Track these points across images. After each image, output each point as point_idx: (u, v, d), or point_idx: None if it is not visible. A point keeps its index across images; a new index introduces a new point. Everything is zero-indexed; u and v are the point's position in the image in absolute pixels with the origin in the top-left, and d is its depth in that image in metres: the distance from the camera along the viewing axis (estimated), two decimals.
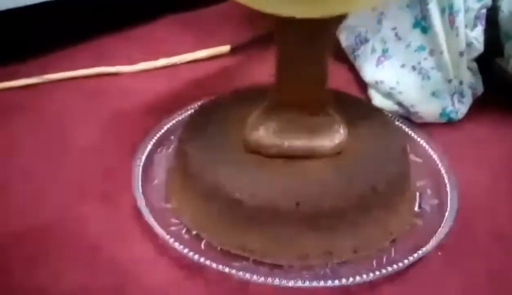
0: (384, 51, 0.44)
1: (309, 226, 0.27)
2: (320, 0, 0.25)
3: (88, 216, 0.32)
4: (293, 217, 0.27)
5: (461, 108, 0.41)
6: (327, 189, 0.28)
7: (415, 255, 0.28)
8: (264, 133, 0.30)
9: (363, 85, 0.46)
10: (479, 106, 0.42)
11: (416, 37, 0.41)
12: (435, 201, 0.32)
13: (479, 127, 0.41)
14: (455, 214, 0.30)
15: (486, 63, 0.43)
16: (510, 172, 0.37)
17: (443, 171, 0.34)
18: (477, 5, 0.38)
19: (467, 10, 0.39)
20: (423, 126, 0.40)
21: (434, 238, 0.29)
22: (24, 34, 0.51)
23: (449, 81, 0.41)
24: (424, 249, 0.28)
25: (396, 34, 0.43)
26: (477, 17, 0.39)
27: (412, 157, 0.35)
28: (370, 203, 0.28)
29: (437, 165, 0.35)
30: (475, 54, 0.41)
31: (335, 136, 0.31)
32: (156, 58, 0.50)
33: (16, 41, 0.50)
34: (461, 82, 0.41)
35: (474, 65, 0.42)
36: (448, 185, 0.33)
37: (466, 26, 0.39)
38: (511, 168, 0.38)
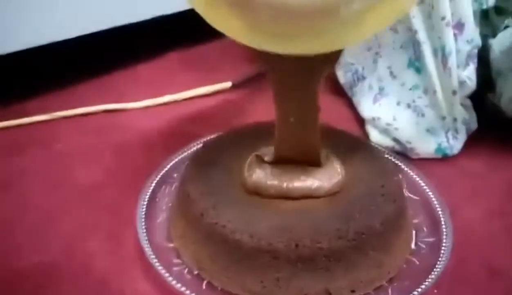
0: (381, 89, 0.45)
1: (308, 266, 0.28)
2: (315, 37, 0.26)
3: (94, 253, 0.33)
4: (292, 258, 0.28)
5: (455, 145, 0.43)
6: (325, 230, 0.29)
7: (412, 294, 0.28)
8: (262, 175, 0.31)
9: (361, 121, 0.48)
10: (473, 141, 0.43)
11: (410, 77, 0.43)
12: (431, 239, 0.33)
13: (474, 162, 0.42)
14: (450, 251, 0.31)
15: (479, 99, 0.44)
16: (504, 207, 0.38)
17: (438, 208, 0.35)
18: (468, 47, 0.40)
19: (458, 51, 0.40)
20: (419, 162, 0.42)
21: (430, 276, 0.29)
22: (33, 73, 0.53)
23: (443, 118, 0.42)
24: (420, 288, 0.29)
25: (391, 73, 0.45)
26: (468, 57, 0.41)
27: (408, 194, 0.36)
28: (366, 243, 0.29)
29: (433, 201, 0.35)
30: (468, 92, 0.42)
31: (333, 177, 0.32)
32: (160, 94, 0.52)
33: (26, 79, 0.53)
34: (455, 119, 0.42)
35: (468, 102, 0.44)
36: (443, 222, 0.33)
37: (458, 66, 0.41)
38: (505, 203, 0.38)
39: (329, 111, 0.50)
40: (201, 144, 0.39)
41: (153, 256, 0.30)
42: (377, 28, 0.27)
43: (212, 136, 0.40)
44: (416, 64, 0.43)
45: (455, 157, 0.43)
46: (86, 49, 0.55)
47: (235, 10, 0.26)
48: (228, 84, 0.54)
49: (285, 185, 0.31)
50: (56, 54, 0.52)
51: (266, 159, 0.33)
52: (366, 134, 0.45)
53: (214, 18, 0.27)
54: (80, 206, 0.37)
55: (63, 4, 0.49)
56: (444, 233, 0.32)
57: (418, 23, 0.41)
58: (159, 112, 0.50)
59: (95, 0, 0.51)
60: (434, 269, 0.30)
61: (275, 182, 0.31)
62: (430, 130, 0.42)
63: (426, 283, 0.29)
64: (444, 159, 0.43)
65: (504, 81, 0.42)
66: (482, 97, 0.45)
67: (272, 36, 0.26)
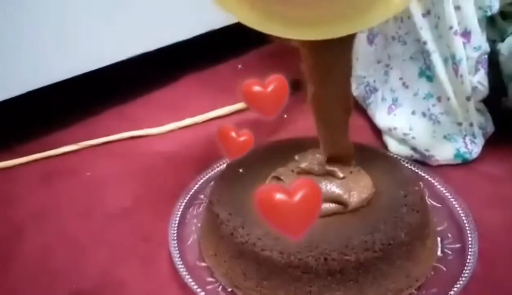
0: (394, 100, 0.46)
1: (337, 279, 0.29)
2: (324, 24, 0.26)
3: (128, 278, 0.35)
4: (322, 272, 0.29)
5: (474, 149, 0.43)
6: (351, 243, 0.29)
7: None
8: None
9: (377, 132, 0.48)
10: (491, 145, 0.44)
11: (423, 86, 0.44)
12: (457, 245, 0.33)
13: (493, 167, 0.43)
14: (477, 257, 0.31)
15: (494, 103, 0.45)
16: None
17: (462, 214, 0.35)
18: (476, 53, 0.41)
19: (468, 58, 0.41)
20: (439, 169, 0.42)
21: (458, 282, 0.30)
22: (60, 106, 0.56)
23: (459, 124, 0.43)
24: (449, 294, 0.29)
25: (403, 84, 0.46)
26: (478, 63, 0.42)
27: (430, 202, 0.37)
28: (392, 254, 0.30)
29: (455, 208, 0.36)
30: (481, 96, 0.43)
31: (363, 192, 0.33)
32: (179, 118, 0.54)
33: (52, 113, 0.55)
34: (471, 124, 0.43)
35: (482, 106, 0.44)
36: (467, 228, 0.34)
37: (469, 73, 0.41)
38: None
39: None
40: (224, 165, 0.41)
41: (188, 276, 0.31)
42: (386, 14, 0.27)
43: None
44: (428, 73, 0.44)
45: (474, 162, 0.43)
46: (106, 79, 0.57)
47: None
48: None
49: None
50: (78, 87, 0.55)
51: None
52: (384, 145, 0.46)
53: (225, 2, 0.27)
54: (112, 232, 0.39)
55: (79, 42, 0.52)
56: (470, 239, 0.33)
57: (426, 33, 0.42)
58: (180, 135, 0.52)
59: (110, 34, 0.54)
60: (462, 275, 0.30)
61: None
62: (447, 137, 0.43)
63: (455, 289, 0.29)
64: (463, 164, 0.43)
65: None
66: (496, 101, 0.45)
67: (281, 21, 0.26)
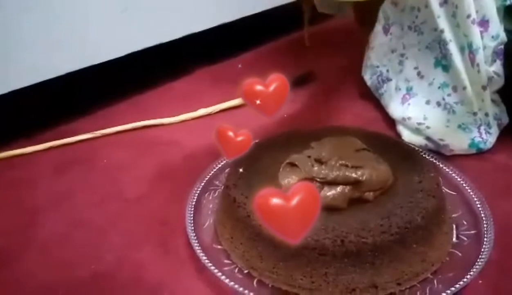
0: (408, 89, 0.46)
1: (354, 261, 0.29)
2: None
3: (146, 261, 0.35)
4: (338, 254, 0.29)
5: (489, 139, 0.43)
6: (368, 226, 0.30)
7: (457, 285, 0.29)
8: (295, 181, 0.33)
9: (391, 121, 0.49)
10: (505, 136, 0.44)
11: (438, 75, 0.44)
12: (472, 231, 0.33)
13: (508, 157, 0.43)
14: (493, 243, 0.32)
15: (509, 94, 0.45)
16: None
17: (477, 202, 0.35)
18: (493, 43, 0.41)
19: (485, 48, 0.41)
20: (453, 159, 0.42)
21: (475, 267, 0.30)
22: (77, 95, 0.57)
23: (475, 114, 0.43)
24: (465, 278, 0.29)
25: (418, 73, 0.46)
26: (495, 52, 0.42)
27: (445, 189, 0.37)
28: (408, 237, 0.30)
29: (470, 196, 0.36)
30: (497, 87, 0.43)
31: (384, 178, 0.33)
32: (193, 109, 0.54)
33: (70, 102, 0.56)
34: (486, 114, 0.43)
35: (497, 96, 0.44)
36: (483, 215, 0.34)
37: (485, 62, 0.41)
38: None
39: (360, 114, 0.52)
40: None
41: (205, 258, 0.32)
42: None
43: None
44: (443, 63, 0.44)
45: (488, 152, 0.43)
46: (120, 70, 0.58)
47: None
48: None
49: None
50: (93, 78, 0.56)
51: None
52: (398, 135, 0.46)
53: None
54: (128, 218, 0.40)
55: (94, 33, 0.53)
56: (485, 225, 0.33)
57: (443, 22, 0.42)
58: (194, 125, 0.53)
59: (124, 26, 0.55)
60: (478, 260, 0.30)
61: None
62: (462, 127, 0.43)
63: (471, 273, 0.30)
64: (477, 154, 0.43)
65: None
66: (511, 92, 0.45)
67: None
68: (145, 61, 0.60)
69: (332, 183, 0.32)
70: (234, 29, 0.66)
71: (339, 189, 0.32)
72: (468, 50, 0.41)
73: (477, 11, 0.40)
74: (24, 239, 0.38)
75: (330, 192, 0.32)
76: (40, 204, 0.42)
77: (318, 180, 0.32)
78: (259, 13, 0.68)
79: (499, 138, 0.44)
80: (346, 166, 0.32)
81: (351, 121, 0.51)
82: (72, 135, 0.51)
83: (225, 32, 0.66)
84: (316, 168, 0.33)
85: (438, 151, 0.43)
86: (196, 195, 0.38)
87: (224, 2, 0.65)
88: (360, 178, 0.32)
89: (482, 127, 0.43)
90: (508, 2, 0.41)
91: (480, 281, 0.30)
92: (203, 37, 0.62)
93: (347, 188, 0.32)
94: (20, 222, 0.40)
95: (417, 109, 0.45)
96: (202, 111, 0.54)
